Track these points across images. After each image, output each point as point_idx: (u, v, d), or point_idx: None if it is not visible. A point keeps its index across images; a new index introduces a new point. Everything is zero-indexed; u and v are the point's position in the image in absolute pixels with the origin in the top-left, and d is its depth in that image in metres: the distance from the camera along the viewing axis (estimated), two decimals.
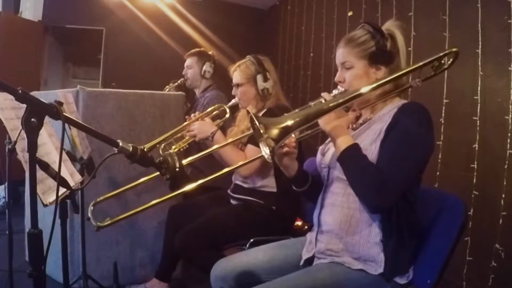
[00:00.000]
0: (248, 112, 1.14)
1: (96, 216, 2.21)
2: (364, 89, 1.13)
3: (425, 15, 2.59)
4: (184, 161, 1.31)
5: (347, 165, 1.14)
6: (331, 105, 1.12)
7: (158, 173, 1.04)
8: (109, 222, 1.14)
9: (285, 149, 1.22)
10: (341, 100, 1.12)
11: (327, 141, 1.36)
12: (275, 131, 1.05)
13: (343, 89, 1.25)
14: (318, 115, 1.12)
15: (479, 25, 2.18)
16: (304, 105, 1.23)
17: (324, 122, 1.15)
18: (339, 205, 1.21)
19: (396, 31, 1.23)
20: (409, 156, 1.09)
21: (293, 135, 1.20)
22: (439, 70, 1.19)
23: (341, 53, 1.26)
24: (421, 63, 1.16)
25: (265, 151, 1.08)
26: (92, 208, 1.29)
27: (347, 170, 1.14)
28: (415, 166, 1.13)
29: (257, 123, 1.04)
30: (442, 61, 1.18)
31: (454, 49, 1.16)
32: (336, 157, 1.17)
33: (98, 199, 1.38)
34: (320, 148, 1.39)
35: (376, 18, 3.02)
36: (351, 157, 1.12)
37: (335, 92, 1.25)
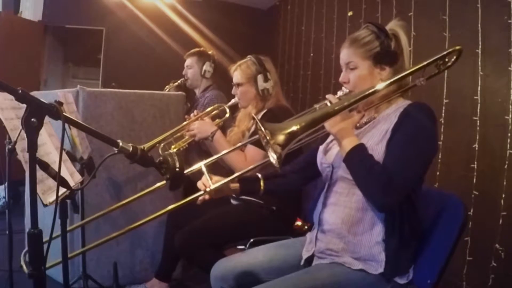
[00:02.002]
0: (253, 118, 1.14)
1: (99, 220, 2.20)
2: (377, 87, 1.14)
3: (425, 15, 2.58)
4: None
5: (353, 165, 1.14)
6: (336, 108, 1.12)
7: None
8: None
9: (201, 198, 1.32)
10: (346, 103, 1.12)
11: (328, 140, 1.36)
12: (281, 137, 1.05)
13: (347, 90, 1.25)
14: (324, 119, 1.12)
15: (479, 25, 2.17)
16: (308, 107, 1.23)
17: (330, 125, 1.15)
18: (342, 204, 1.21)
19: (400, 31, 1.24)
20: (415, 156, 1.10)
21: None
22: (442, 68, 1.19)
23: (346, 54, 1.25)
24: (425, 63, 1.16)
25: (272, 156, 1.08)
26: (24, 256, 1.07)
27: (353, 169, 1.14)
28: (421, 166, 1.14)
29: (263, 129, 1.04)
30: (446, 59, 1.18)
31: (457, 47, 1.16)
32: (340, 157, 1.17)
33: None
34: (321, 147, 1.38)
35: (376, 18, 3.01)
36: (357, 157, 1.13)
37: (340, 93, 1.25)
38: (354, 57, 1.23)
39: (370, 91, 1.14)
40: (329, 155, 1.32)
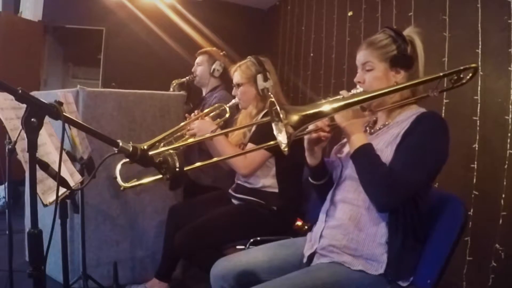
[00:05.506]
0: (270, 97, 1.11)
1: (96, 216, 2.21)
2: (384, 91, 1.15)
3: (425, 15, 2.58)
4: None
5: (360, 162, 1.16)
6: (352, 100, 1.12)
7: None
8: (136, 183, 1.12)
9: (320, 133, 1.22)
10: (360, 98, 1.14)
11: (342, 141, 1.38)
12: (295, 117, 1.03)
13: (361, 90, 1.26)
14: (339, 109, 1.12)
15: (479, 25, 2.17)
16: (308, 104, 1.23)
17: (342, 118, 1.17)
18: (349, 202, 1.23)
19: (416, 38, 1.27)
20: (422, 162, 1.11)
21: (325, 121, 1.20)
22: (457, 84, 1.21)
23: (363, 55, 1.28)
24: (441, 74, 1.18)
25: (282, 139, 1.06)
26: (120, 167, 1.23)
27: (359, 167, 1.16)
28: (427, 173, 1.14)
29: (278, 107, 1.03)
30: (461, 75, 1.19)
31: (473, 65, 1.19)
32: (349, 156, 1.18)
33: None
34: (335, 147, 1.41)
35: (376, 18, 3.01)
36: (364, 155, 1.14)
37: (353, 91, 1.26)
38: (371, 58, 1.25)
39: (386, 90, 1.15)
40: (341, 153, 1.34)
